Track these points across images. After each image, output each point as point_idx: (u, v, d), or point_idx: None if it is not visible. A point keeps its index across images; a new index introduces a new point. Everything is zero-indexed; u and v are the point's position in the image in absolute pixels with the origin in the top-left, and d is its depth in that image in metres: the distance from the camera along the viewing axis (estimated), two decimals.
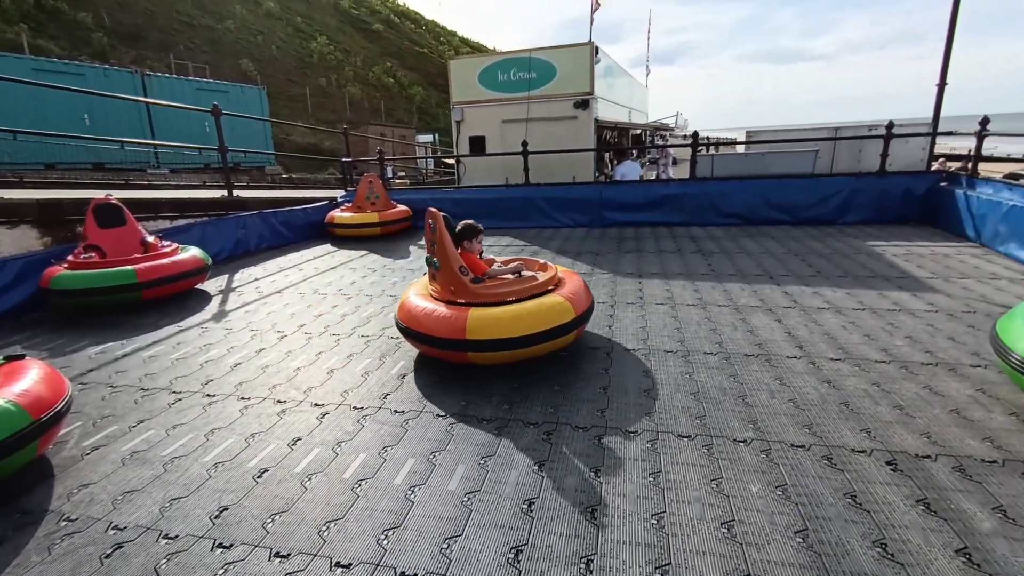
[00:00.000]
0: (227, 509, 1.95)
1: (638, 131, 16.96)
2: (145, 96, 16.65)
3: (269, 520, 1.88)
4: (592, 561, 1.63)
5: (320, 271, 5.68)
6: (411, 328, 2.96)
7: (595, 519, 1.80)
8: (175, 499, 2.02)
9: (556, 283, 3.16)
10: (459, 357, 2.87)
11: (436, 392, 2.79)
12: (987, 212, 5.47)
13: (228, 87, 19.98)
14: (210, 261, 4.98)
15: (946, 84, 7.84)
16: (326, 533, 1.80)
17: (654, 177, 13.96)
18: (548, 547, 1.69)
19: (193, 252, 4.82)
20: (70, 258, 4.33)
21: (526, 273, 3.33)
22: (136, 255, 4.51)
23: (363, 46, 48.14)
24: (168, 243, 4.85)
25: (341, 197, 8.62)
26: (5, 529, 1.90)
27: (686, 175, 7.90)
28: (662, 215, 7.46)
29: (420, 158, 23.79)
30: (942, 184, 6.57)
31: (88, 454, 2.35)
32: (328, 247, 7.03)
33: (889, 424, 2.30)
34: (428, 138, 29.99)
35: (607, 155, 12.61)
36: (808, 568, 1.56)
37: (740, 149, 13.22)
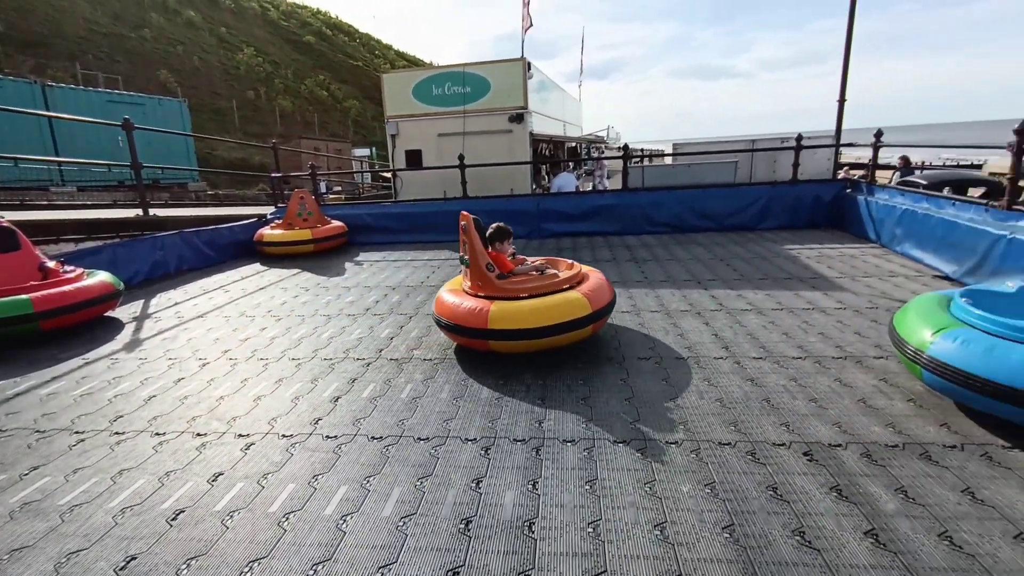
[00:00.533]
0: (135, 558, 1.78)
1: (573, 144, 17.42)
2: (47, 109, 15.33)
3: (184, 566, 1.73)
4: (528, 575, 1.61)
5: (248, 292, 5.40)
6: (443, 318, 3.26)
7: (532, 533, 1.79)
8: (73, 552, 1.82)
9: (578, 280, 3.36)
10: (482, 345, 3.17)
11: (371, 414, 2.70)
12: (884, 216, 6.01)
13: (144, 99, 18.78)
14: (121, 286, 4.61)
15: (845, 100, 8.60)
16: (249, 574, 1.68)
17: (590, 188, 14.37)
18: (485, 566, 1.66)
19: (101, 277, 4.45)
20: None
21: (550, 271, 3.59)
22: (33, 282, 4.10)
23: (294, 58, 46.78)
24: (72, 268, 4.45)
25: (271, 214, 8.26)
26: None
27: (619, 186, 8.18)
28: (598, 225, 7.67)
29: (356, 172, 23.29)
30: (847, 191, 7.16)
31: None
32: (257, 267, 6.70)
33: (805, 417, 2.44)
34: (365, 152, 29.45)
35: (544, 167, 12.85)
36: (735, 562, 1.61)
37: (668, 161, 13.88)
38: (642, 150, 22.35)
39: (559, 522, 1.83)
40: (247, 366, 3.43)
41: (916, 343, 2.45)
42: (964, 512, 1.79)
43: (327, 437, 2.49)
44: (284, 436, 2.52)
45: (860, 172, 11.08)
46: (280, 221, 7.54)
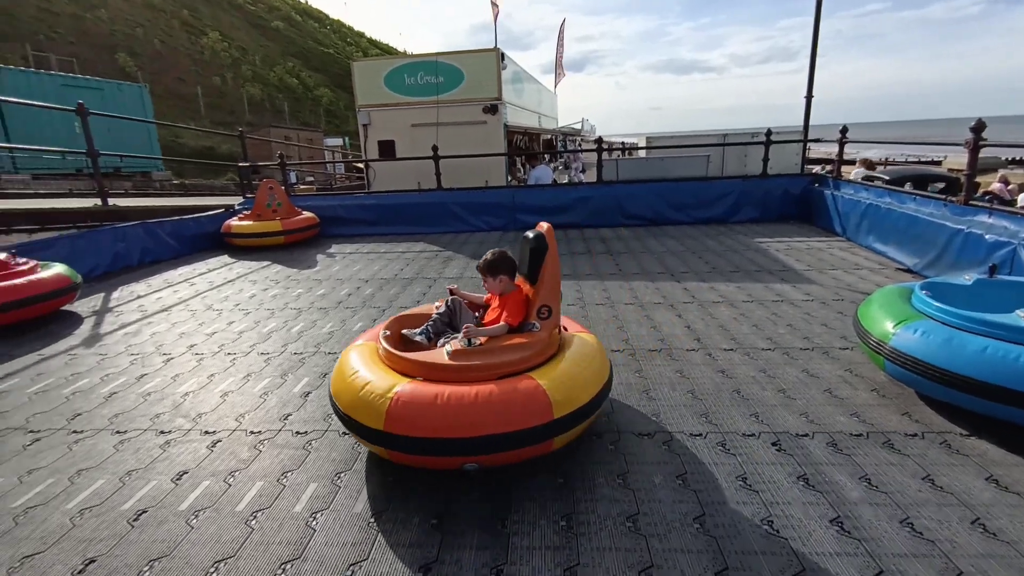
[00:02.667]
0: (94, 561, 1.71)
1: (549, 136, 17.40)
2: None
3: (147, 568, 1.67)
4: (502, 570, 1.61)
5: (215, 285, 5.23)
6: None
7: (505, 527, 1.79)
8: (28, 556, 1.74)
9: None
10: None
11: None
12: (850, 210, 6.19)
13: (102, 84, 17.97)
14: (79, 279, 4.41)
15: (812, 96, 8.78)
16: (215, 574, 1.63)
17: (567, 181, 14.38)
18: (458, 561, 1.65)
19: (57, 269, 4.25)
20: None
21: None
22: None
23: (262, 44, 45.40)
24: (24, 260, 4.23)
25: (239, 204, 8.02)
26: None
27: (595, 179, 8.21)
28: (573, 217, 7.69)
29: (327, 162, 22.81)
30: (814, 185, 7.34)
31: None
32: (225, 259, 6.51)
33: (774, 407, 2.50)
34: (337, 141, 28.87)
35: (519, 159, 12.81)
36: (704, 552, 1.64)
37: (642, 154, 13.99)
38: (623, 143, 22.47)
39: (532, 515, 1.83)
40: (214, 361, 3.33)
41: (879, 334, 2.53)
42: (924, 499, 1.85)
43: (297, 433, 2.44)
44: (252, 432, 2.46)
45: (827, 167, 11.35)
46: (249, 212, 7.33)
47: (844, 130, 7.04)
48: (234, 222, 7.05)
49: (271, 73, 41.34)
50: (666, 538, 1.70)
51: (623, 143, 22.62)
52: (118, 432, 2.51)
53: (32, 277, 4.00)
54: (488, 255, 2.34)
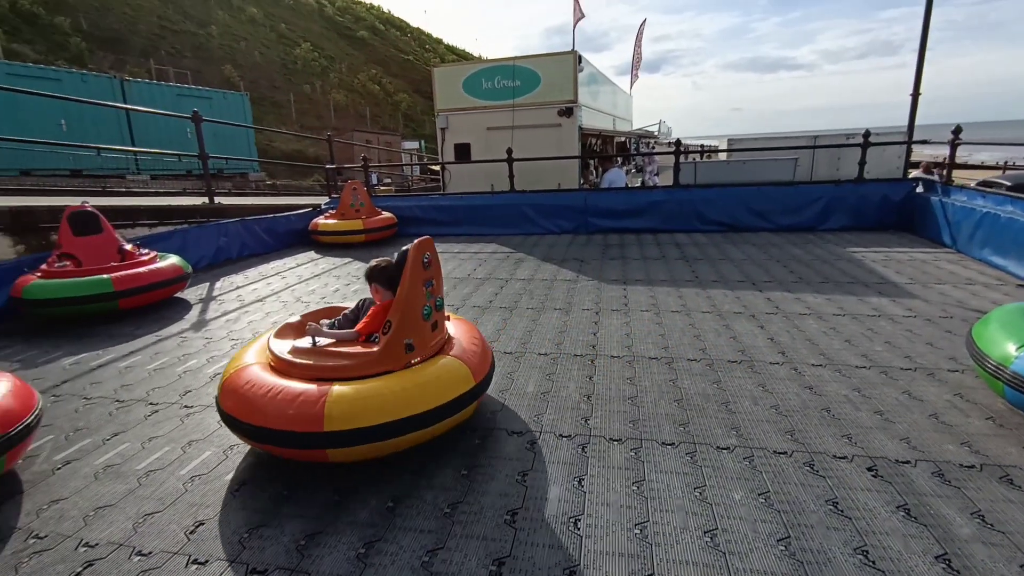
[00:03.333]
0: (203, 524, 1.89)
1: (623, 139, 17.12)
2: (124, 102, 16.40)
3: (246, 535, 1.83)
4: (575, 572, 1.61)
5: (303, 279, 5.62)
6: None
7: (578, 529, 1.79)
8: (149, 514, 1.96)
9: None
10: None
11: None
12: (962, 219, 5.60)
13: (211, 93, 19.77)
14: (190, 269, 4.89)
15: (919, 94, 8.04)
16: (304, 547, 1.76)
17: (640, 184, 14.08)
18: (530, 559, 1.67)
19: (172, 260, 4.73)
20: (43, 267, 4.22)
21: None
22: (113, 264, 4.41)
23: (348, 53, 48.04)
24: (147, 251, 4.76)
25: (325, 204, 8.55)
26: None
27: (670, 182, 7.98)
28: (647, 222, 7.52)
29: (405, 165, 23.74)
30: (918, 191, 6.72)
31: (59, 469, 2.28)
32: (312, 254, 6.96)
33: (870, 430, 2.32)
34: (414, 145, 29.97)
35: (592, 162, 12.70)
36: None
37: (722, 156, 13.42)
38: (702, 146, 21.61)
39: (605, 520, 1.82)
40: None
41: (998, 357, 2.28)
42: None
43: None
44: None
45: (932, 169, 10.33)
46: (334, 211, 7.80)
47: (957, 130, 6.40)
48: (321, 220, 7.52)
49: (355, 80, 43.67)
50: (747, 557, 1.63)
51: (702, 146, 21.74)
52: None
53: (154, 266, 4.49)
54: (372, 262, 2.47)
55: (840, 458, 2.12)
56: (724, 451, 2.20)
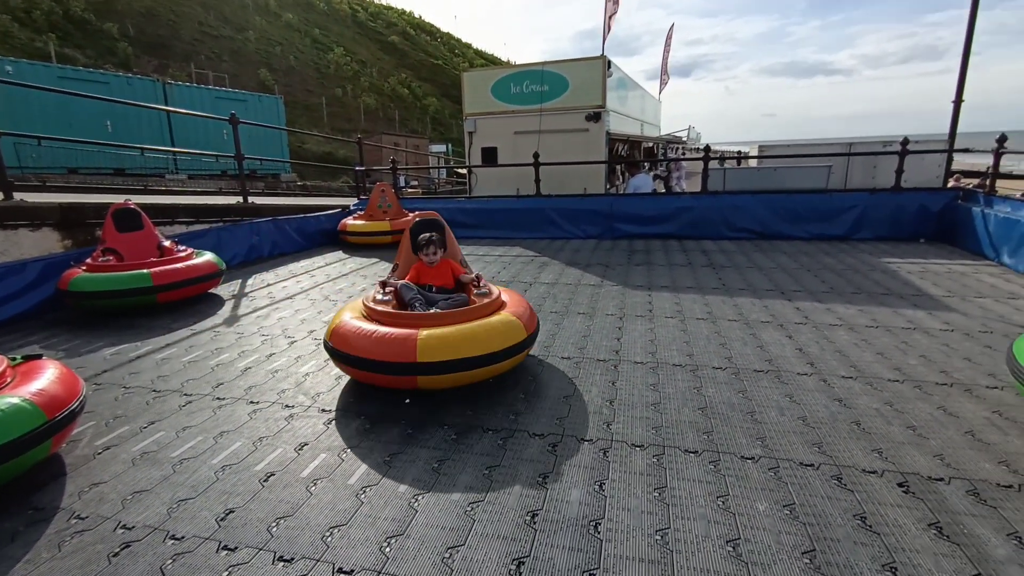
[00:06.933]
0: (233, 512, 1.96)
1: (650, 144, 16.97)
2: (166, 104, 17.04)
3: (274, 524, 1.89)
4: (594, 574, 1.61)
5: (331, 278, 5.74)
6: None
7: (598, 533, 1.79)
8: (183, 500, 2.04)
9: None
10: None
11: (446, 402, 2.80)
12: (1006, 231, 5.39)
13: (247, 96, 20.39)
14: (224, 266, 5.06)
15: (962, 101, 7.77)
16: (329, 539, 1.80)
17: (666, 190, 13.94)
18: (550, 559, 1.68)
19: (207, 257, 4.90)
20: (88, 261, 4.42)
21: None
22: (152, 259, 4.59)
23: (379, 57, 48.88)
24: (183, 248, 4.94)
25: (354, 205, 8.72)
26: (17, 525, 1.93)
27: (698, 188, 7.89)
28: (673, 228, 7.45)
29: (433, 168, 24.00)
30: (959, 201, 6.49)
31: (100, 453, 2.39)
32: (340, 254, 7.11)
33: (901, 445, 2.26)
34: (441, 148, 30.28)
35: (619, 168, 12.63)
36: None
37: (753, 163, 13.18)
38: (739, 152, 21.22)
39: (626, 525, 1.82)
40: None
41: None
42: None
43: (402, 420, 2.61)
44: (361, 416, 2.67)
45: (975, 181, 9.96)
46: (362, 212, 7.94)
47: (1002, 139, 6.16)
48: (349, 221, 7.68)
49: (385, 84, 44.40)
50: (771, 569, 1.61)
51: (738, 152, 21.34)
52: (252, 402, 2.85)
53: (190, 263, 4.65)
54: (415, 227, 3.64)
55: (870, 472, 2.07)
56: (749, 461, 2.17)
